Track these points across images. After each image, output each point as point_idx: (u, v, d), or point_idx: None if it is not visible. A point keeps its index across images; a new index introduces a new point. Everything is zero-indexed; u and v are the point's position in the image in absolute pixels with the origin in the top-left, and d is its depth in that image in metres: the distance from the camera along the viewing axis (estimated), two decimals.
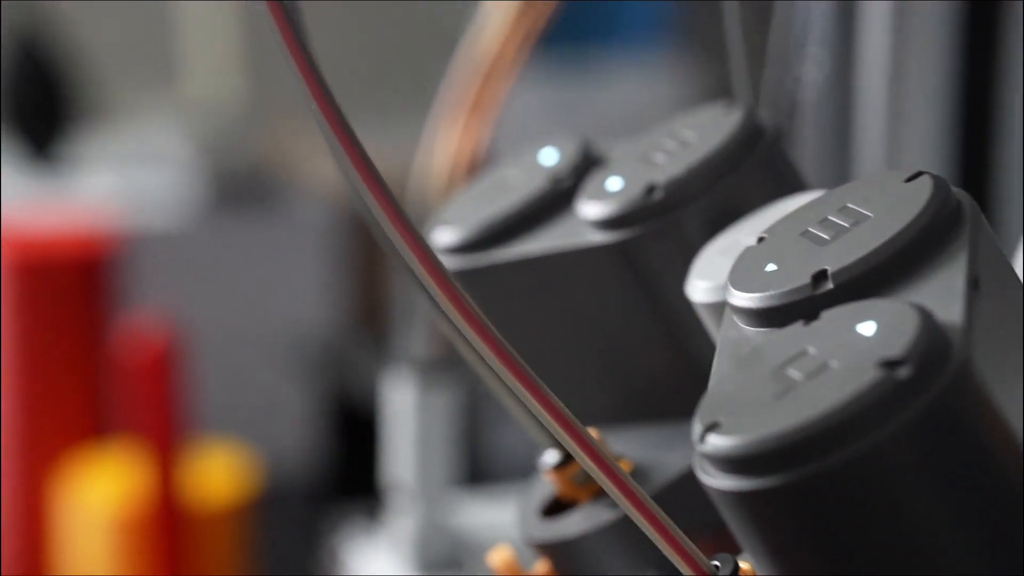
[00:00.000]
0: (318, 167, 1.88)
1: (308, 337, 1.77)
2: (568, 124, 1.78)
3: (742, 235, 0.36)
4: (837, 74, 0.56)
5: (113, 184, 1.78)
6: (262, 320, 1.76)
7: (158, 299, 1.65)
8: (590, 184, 0.41)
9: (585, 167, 0.43)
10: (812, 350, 0.30)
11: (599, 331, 0.42)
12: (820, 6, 0.58)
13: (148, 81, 1.98)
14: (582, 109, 1.78)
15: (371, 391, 1.65)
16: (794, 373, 0.29)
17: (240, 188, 1.79)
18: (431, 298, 0.38)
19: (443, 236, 0.44)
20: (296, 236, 1.78)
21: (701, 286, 0.35)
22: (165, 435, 1.40)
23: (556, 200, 0.43)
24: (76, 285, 1.62)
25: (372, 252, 1.85)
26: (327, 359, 1.76)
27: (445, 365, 0.74)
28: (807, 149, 0.57)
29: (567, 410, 0.33)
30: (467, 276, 0.44)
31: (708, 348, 0.37)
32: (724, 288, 0.33)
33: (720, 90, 1.85)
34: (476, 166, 0.69)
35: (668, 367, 0.40)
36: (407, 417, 0.72)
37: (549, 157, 0.45)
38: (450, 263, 0.44)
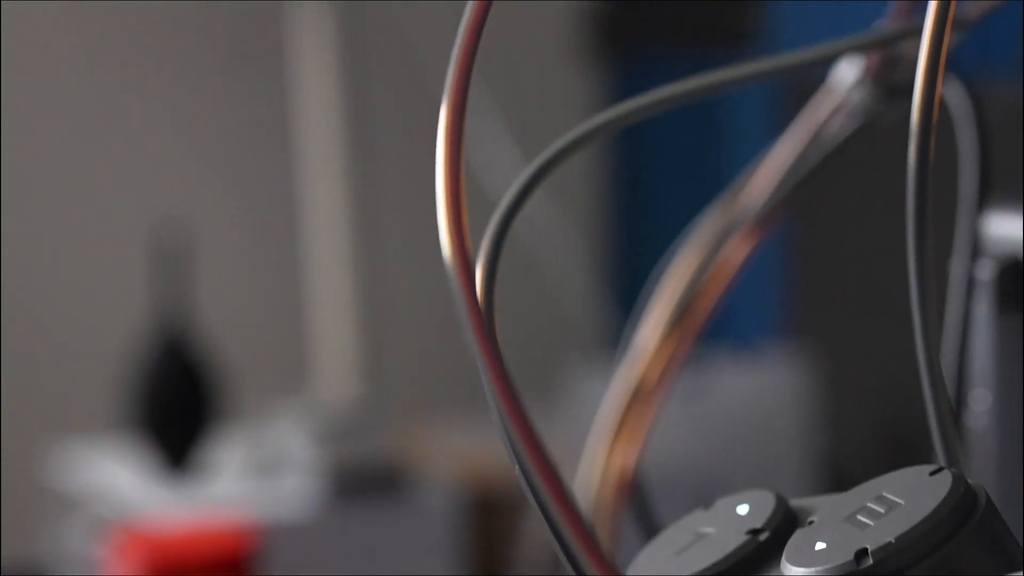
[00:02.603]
0: (437, 461, 1.91)
1: None
2: (690, 416, 1.79)
3: None
4: (999, 410, 0.57)
5: (244, 486, 1.81)
6: None
7: None
8: (795, 545, 0.42)
9: (784, 523, 0.44)
10: None
11: None
12: (981, 345, 0.59)
13: (278, 385, 2.03)
14: (703, 403, 1.80)
15: None
16: None
17: (364, 484, 1.81)
18: None
19: None
20: (419, 526, 1.79)
21: None
22: None
23: (755, 557, 0.44)
24: None
25: (491, 539, 1.85)
26: None
27: None
28: (980, 478, 0.57)
29: None
30: None
31: None
32: None
33: (831, 379, 1.86)
34: (626, 485, 0.70)
35: None
36: None
37: (745, 510, 0.45)
38: None
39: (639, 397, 0.71)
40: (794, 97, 1.82)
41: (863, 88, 0.65)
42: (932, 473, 0.40)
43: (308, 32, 1.91)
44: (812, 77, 0.59)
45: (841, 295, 1.87)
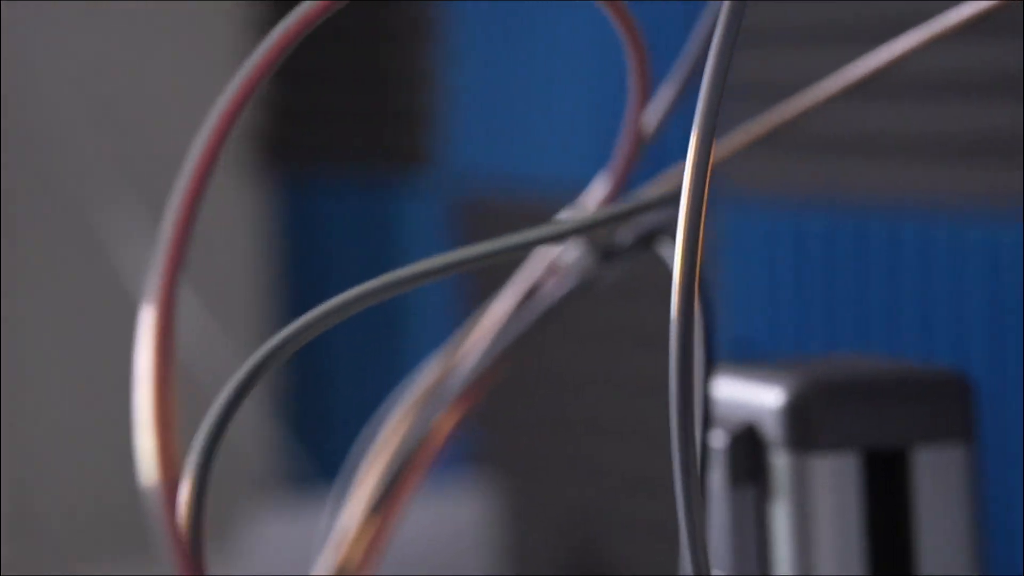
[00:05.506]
0: None
1: None
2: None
3: None
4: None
5: None
6: None
7: None
8: None
9: None
10: None
11: None
12: (715, 519, 0.57)
13: None
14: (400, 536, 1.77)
15: None
16: None
17: None
18: None
19: None
20: None
21: None
22: None
23: None
24: None
25: None
26: None
27: None
28: None
29: None
30: None
31: None
32: None
33: (517, 508, 1.86)
34: None
35: None
36: None
37: None
38: None
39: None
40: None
41: (578, 250, 0.63)
42: None
43: None
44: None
45: (528, 422, 1.88)
